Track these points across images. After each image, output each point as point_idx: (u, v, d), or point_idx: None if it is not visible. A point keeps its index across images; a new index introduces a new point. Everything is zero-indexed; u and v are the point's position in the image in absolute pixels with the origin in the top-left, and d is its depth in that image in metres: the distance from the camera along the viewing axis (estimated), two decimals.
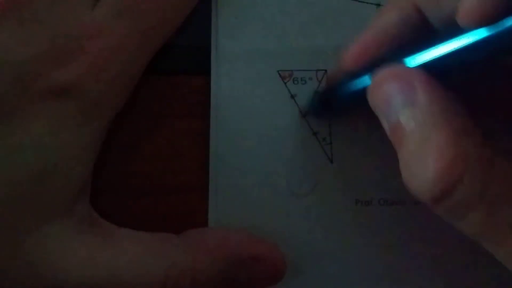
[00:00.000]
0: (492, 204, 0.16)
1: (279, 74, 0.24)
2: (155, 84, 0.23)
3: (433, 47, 0.17)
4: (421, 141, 0.17)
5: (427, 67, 0.17)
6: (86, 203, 0.21)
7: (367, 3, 0.24)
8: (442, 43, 0.17)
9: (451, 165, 0.16)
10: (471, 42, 0.16)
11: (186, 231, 0.23)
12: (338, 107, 0.23)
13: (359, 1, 0.24)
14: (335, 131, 0.24)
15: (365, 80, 0.20)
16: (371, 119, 0.24)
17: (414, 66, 0.18)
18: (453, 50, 0.16)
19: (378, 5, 0.24)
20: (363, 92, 0.19)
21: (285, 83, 0.24)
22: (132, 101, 0.22)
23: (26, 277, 0.20)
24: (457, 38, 0.16)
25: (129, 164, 0.23)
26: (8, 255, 0.20)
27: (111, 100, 0.21)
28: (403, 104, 0.17)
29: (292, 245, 0.24)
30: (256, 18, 0.24)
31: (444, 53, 0.17)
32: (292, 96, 0.24)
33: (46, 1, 0.20)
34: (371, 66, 0.20)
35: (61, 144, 0.20)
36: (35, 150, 0.20)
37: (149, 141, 0.23)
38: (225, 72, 0.24)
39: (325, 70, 0.24)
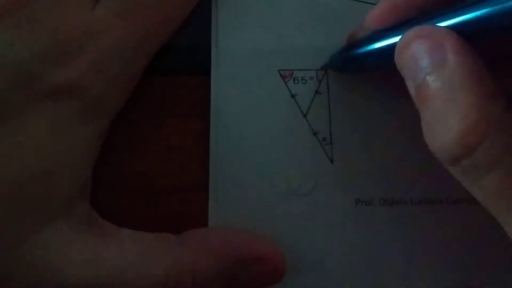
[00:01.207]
0: (508, 171, 0.16)
1: (279, 73, 0.24)
2: (155, 84, 0.23)
3: (466, 11, 0.17)
4: (446, 101, 0.17)
5: (458, 29, 0.17)
6: (86, 203, 0.21)
7: (367, 3, 0.24)
8: (475, 7, 0.17)
9: (473, 127, 0.16)
10: (506, 8, 0.15)
11: (186, 231, 0.23)
12: (358, 65, 0.23)
13: (359, 1, 0.24)
14: (335, 131, 0.24)
15: (391, 40, 0.19)
16: (372, 117, 0.24)
17: (445, 27, 0.18)
18: (485, 14, 0.16)
19: None
20: (386, 52, 0.19)
21: (285, 83, 0.24)
22: (132, 101, 0.22)
23: (26, 278, 0.20)
24: (492, 2, 0.16)
25: (129, 164, 0.23)
26: (9, 256, 0.20)
27: (111, 100, 0.21)
28: (431, 64, 0.17)
29: (292, 245, 0.24)
30: (256, 18, 0.24)
31: (476, 16, 0.17)
32: (292, 96, 0.24)
33: (46, 1, 0.20)
34: (398, 26, 0.19)
35: (61, 144, 0.20)
36: (35, 151, 0.20)
37: (149, 141, 0.23)
38: (225, 72, 0.24)
39: (325, 70, 0.24)
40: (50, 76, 0.19)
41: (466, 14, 0.17)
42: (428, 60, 0.17)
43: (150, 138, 0.23)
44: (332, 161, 0.24)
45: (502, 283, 0.24)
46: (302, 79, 0.24)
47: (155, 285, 0.21)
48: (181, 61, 0.24)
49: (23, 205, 0.20)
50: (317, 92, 0.24)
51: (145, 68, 0.22)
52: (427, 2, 0.19)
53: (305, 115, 0.24)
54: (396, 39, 0.19)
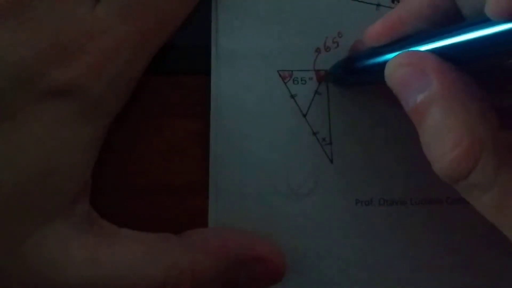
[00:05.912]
0: (505, 188, 0.17)
1: (279, 74, 0.24)
2: (155, 84, 0.23)
3: (456, 33, 0.17)
4: (438, 126, 0.17)
5: (445, 52, 0.18)
6: (86, 203, 0.21)
7: (367, 3, 0.24)
8: (464, 31, 0.17)
9: (466, 153, 0.17)
10: (495, 33, 0.16)
11: (186, 231, 0.23)
12: (357, 78, 0.23)
13: (359, 1, 0.24)
14: (334, 131, 0.24)
15: (385, 58, 0.20)
16: (372, 117, 0.24)
17: (428, 50, 0.18)
18: (473, 39, 0.17)
19: (378, 5, 0.24)
20: (382, 67, 0.19)
21: (285, 83, 0.24)
22: (132, 101, 0.22)
23: (26, 278, 0.20)
24: (480, 28, 0.16)
25: (129, 164, 0.23)
26: (9, 256, 0.20)
27: (111, 100, 0.21)
28: (418, 90, 0.18)
29: (292, 245, 0.24)
30: (256, 18, 0.24)
31: (464, 41, 0.17)
32: (292, 96, 0.24)
33: (47, 1, 0.20)
34: (393, 44, 0.20)
35: (61, 144, 0.20)
36: (35, 151, 0.20)
37: (149, 141, 0.23)
38: (225, 72, 0.24)
39: (326, 70, 0.24)
40: (50, 76, 0.19)
41: (447, 38, 0.17)
42: (414, 86, 0.18)
43: (150, 138, 0.23)
44: (332, 161, 0.24)
45: (502, 283, 0.24)
46: (301, 80, 0.24)
47: (155, 285, 0.21)
48: (181, 61, 0.24)
49: (23, 205, 0.20)
50: (316, 92, 0.24)
51: (145, 68, 0.22)
52: (424, 22, 0.20)
53: (304, 115, 0.24)
54: (390, 57, 0.19)
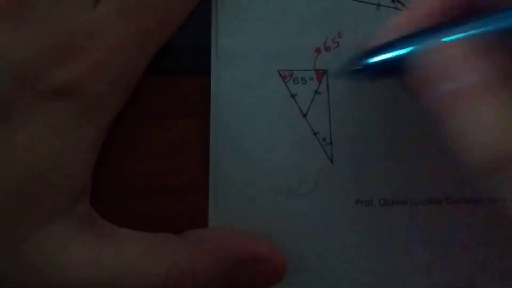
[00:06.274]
0: None
1: (279, 73, 0.24)
2: (155, 84, 0.23)
3: (475, 24, 0.17)
4: (468, 115, 0.17)
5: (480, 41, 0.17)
6: (86, 203, 0.22)
7: (367, 3, 0.24)
8: (484, 22, 0.17)
9: (502, 141, 0.16)
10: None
11: (187, 232, 0.23)
12: (372, 73, 0.22)
13: (359, 1, 0.24)
14: (335, 131, 0.24)
15: (404, 51, 0.20)
16: (372, 116, 0.24)
17: (453, 39, 0.18)
18: (494, 29, 0.17)
19: (378, 5, 0.24)
20: (400, 61, 0.19)
21: (285, 83, 0.24)
22: (132, 101, 0.22)
23: (26, 278, 0.20)
24: (499, 19, 0.16)
25: (129, 164, 0.23)
26: (9, 256, 0.20)
27: (111, 100, 0.21)
28: (444, 79, 0.17)
29: (292, 245, 0.24)
30: (256, 18, 0.24)
31: (486, 31, 0.17)
32: (292, 96, 0.24)
33: (47, 1, 0.20)
34: (412, 37, 0.20)
35: (61, 144, 0.20)
36: (35, 151, 0.20)
37: (149, 141, 0.23)
38: (225, 72, 0.24)
39: (326, 70, 0.24)
40: (50, 76, 0.19)
41: (476, 28, 0.17)
42: (440, 75, 0.18)
43: (150, 138, 0.23)
44: (332, 161, 0.24)
45: (502, 283, 0.24)
46: (302, 79, 0.24)
47: (155, 286, 0.21)
48: (181, 61, 0.24)
49: (23, 205, 0.20)
50: (317, 92, 0.24)
51: (145, 68, 0.22)
52: (444, 15, 0.19)
53: (305, 115, 0.24)
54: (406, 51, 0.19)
